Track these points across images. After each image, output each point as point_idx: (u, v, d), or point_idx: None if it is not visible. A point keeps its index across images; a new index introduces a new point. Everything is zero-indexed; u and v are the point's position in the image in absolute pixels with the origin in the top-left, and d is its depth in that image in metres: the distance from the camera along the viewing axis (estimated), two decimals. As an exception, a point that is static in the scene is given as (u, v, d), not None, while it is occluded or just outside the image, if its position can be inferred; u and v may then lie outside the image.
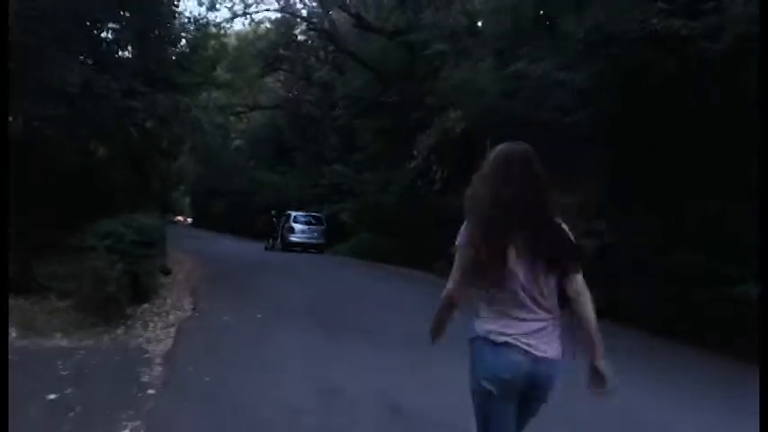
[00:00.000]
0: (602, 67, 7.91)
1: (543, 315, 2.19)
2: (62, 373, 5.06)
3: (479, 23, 11.25)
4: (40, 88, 8.19)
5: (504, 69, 10.31)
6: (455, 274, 2.26)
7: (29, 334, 6.88)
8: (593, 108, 8.38)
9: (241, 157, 43.07)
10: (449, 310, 2.36)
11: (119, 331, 7.03)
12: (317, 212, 24.92)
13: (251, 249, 24.75)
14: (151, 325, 7.61)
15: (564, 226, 2.23)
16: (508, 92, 10.43)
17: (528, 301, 2.16)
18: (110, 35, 13.69)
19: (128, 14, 13.38)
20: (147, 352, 6.09)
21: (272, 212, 25.45)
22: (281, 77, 37.03)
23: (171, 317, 8.19)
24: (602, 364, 2.20)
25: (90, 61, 10.59)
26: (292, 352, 6.32)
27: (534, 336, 2.16)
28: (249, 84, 35.47)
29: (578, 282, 2.19)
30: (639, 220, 7.92)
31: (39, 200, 11.01)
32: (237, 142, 46.97)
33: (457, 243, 2.26)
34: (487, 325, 2.20)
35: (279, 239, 24.36)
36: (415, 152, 14.22)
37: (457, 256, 2.26)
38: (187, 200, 73.50)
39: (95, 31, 12.93)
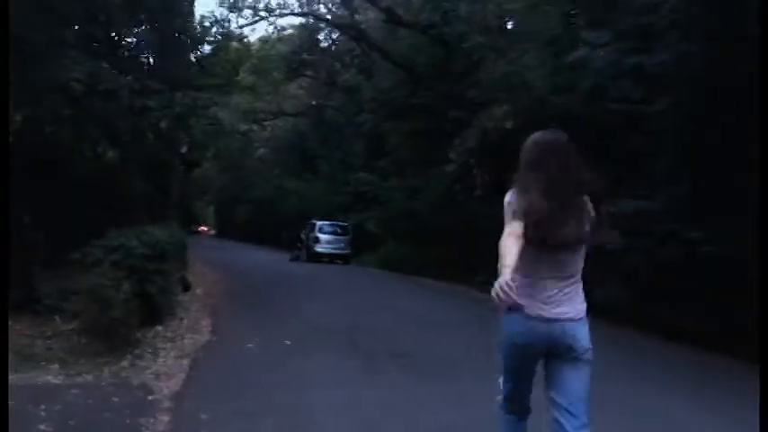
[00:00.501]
0: (688, 50, 6.68)
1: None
2: (41, 426, 4.00)
3: (516, 17, 10.06)
4: (41, 85, 7.27)
5: (558, 59, 9.16)
6: (512, 219, 2.34)
7: (22, 364, 5.90)
8: (670, 98, 7.16)
9: (265, 165, 42.41)
10: (518, 243, 2.28)
11: (124, 362, 5.99)
12: (342, 221, 23.86)
13: (275, 260, 23.79)
14: (162, 353, 6.57)
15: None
16: (560, 86, 9.27)
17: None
18: (125, 38, 12.93)
19: (144, 16, 12.58)
20: (153, 392, 5.03)
21: (309, 222, 24.24)
22: (305, 84, 36.24)
23: (186, 342, 7.15)
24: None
25: (104, 64, 9.72)
26: (327, 390, 5.20)
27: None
28: (272, 90, 34.81)
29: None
30: (734, 228, 6.65)
31: (51, 210, 10.17)
32: (261, 151, 46.38)
33: (507, 201, 2.42)
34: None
35: (304, 250, 23.37)
36: (452, 155, 13.04)
37: (509, 210, 2.38)
38: (211, 209, 73.38)
39: (112, 33, 12.14)
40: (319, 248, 22.25)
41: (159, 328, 7.80)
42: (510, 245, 2.24)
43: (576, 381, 2.39)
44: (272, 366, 6.06)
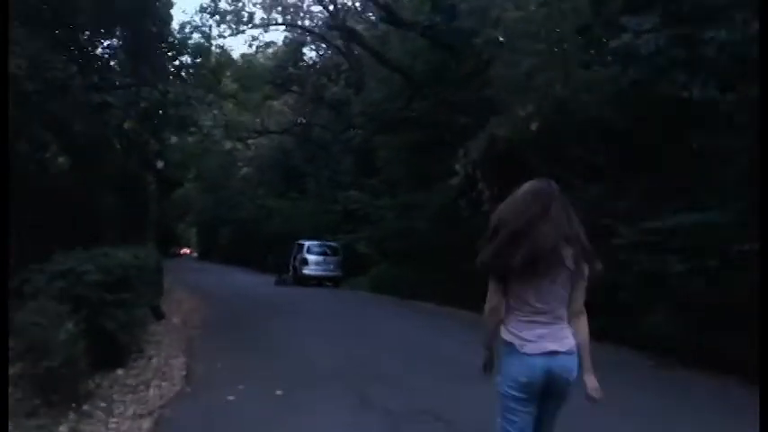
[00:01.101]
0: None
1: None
2: None
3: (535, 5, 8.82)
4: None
5: (590, 50, 7.96)
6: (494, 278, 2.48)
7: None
8: (739, 89, 5.95)
9: (249, 184, 40.91)
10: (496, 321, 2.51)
11: (62, 428, 4.52)
12: (332, 242, 22.44)
13: (260, 283, 22.24)
14: (119, 409, 5.11)
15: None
16: (594, 81, 8.04)
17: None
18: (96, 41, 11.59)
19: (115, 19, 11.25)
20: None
21: (297, 243, 22.78)
22: (290, 100, 35.03)
23: (152, 393, 5.69)
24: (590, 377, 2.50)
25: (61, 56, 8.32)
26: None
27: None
28: (257, 105, 33.55)
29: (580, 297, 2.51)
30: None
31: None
32: (245, 170, 44.97)
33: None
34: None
35: (291, 272, 21.89)
36: (457, 166, 11.74)
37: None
38: (194, 231, 71.39)
39: (80, 34, 10.80)
40: (307, 271, 20.76)
41: (120, 372, 6.35)
42: (493, 307, 2.47)
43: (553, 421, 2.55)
44: (261, 429, 4.64)
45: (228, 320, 11.23)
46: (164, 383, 6.01)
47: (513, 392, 2.39)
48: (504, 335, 2.45)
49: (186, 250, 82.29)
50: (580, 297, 2.49)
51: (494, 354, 2.55)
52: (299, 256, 21.28)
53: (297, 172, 32.06)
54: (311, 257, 20.89)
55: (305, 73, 32.27)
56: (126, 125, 8.42)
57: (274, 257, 23.11)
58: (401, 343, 8.71)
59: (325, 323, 11.07)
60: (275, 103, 35.46)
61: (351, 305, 14.76)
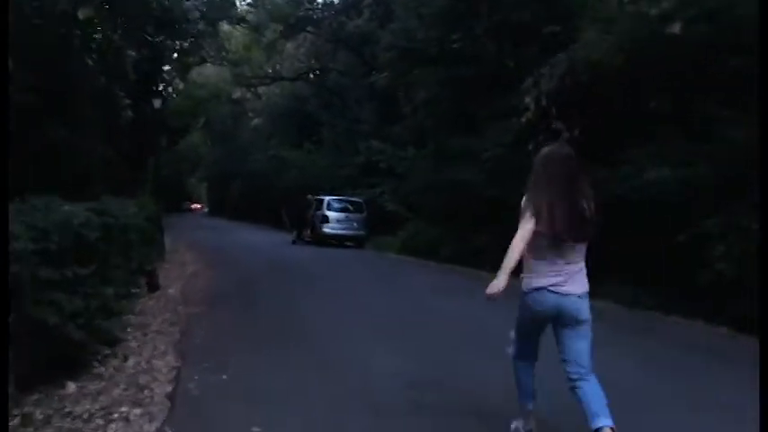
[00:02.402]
0: None
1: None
2: None
3: None
4: None
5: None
6: (528, 219, 2.96)
7: None
8: None
9: (260, 136, 38.41)
10: (522, 247, 2.96)
11: None
12: (355, 196, 20.11)
13: (274, 243, 20.08)
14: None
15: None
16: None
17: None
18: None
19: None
20: None
21: (309, 197, 20.59)
22: (306, 43, 32.09)
23: (116, 420, 3.46)
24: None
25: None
26: None
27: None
28: (269, 47, 30.79)
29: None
30: None
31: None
32: (256, 121, 42.46)
33: (524, 203, 3.03)
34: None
35: (309, 230, 19.69)
36: (527, 99, 9.25)
37: (525, 210, 2.99)
38: (204, 186, 69.29)
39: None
40: (328, 229, 18.47)
41: (71, 389, 4.12)
42: (516, 249, 2.93)
43: (578, 342, 3.02)
44: None
45: (239, 293, 9.01)
46: (134, 413, 3.75)
47: (527, 317, 3.14)
48: (527, 278, 3.07)
49: (197, 206, 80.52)
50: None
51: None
52: (318, 213, 18.97)
53: (312, 120, 29.49)
54: (332, 214, 18.57)
55: (321, 13, 29.34)
56: (80, 14, 6.01)
57: (289, 212, 20.81)
58: (485, 337, 6.31)
59: (361, 297, 8.81)
60: (288, 45, 32.57)
61: (386, 273, 12.51)
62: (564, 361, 3.03)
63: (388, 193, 21.11)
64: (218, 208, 54.92)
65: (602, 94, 9.15)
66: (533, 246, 2.95)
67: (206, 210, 71.38)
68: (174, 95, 29.05)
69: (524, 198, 3.03)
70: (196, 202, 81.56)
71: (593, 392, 2.89)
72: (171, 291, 9.01)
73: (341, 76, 30.16)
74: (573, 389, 2.96)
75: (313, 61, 31.47)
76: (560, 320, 3.00)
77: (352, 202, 19.24)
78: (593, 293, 3.09)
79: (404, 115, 24.30)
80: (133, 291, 7.62)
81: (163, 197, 38.38)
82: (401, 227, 17.84)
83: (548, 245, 2.95)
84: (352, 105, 27.16)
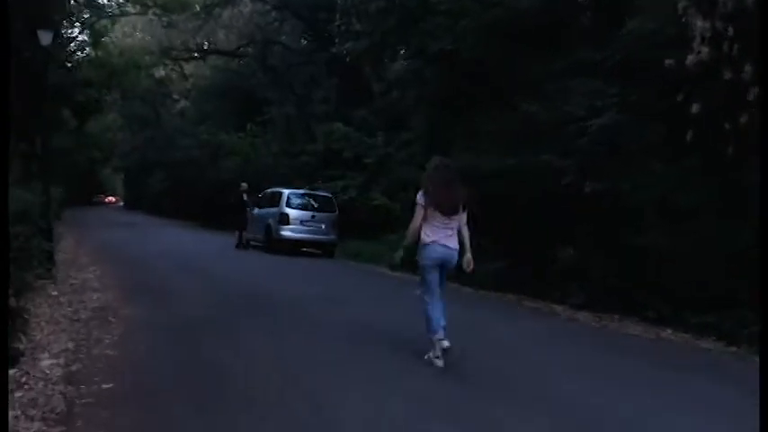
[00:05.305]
0: None
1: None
2: None
3: None
4: None
5: None
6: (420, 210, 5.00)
7: None
8: None
9: (189, 121, 33.03)
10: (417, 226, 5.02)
11: None
12: (321, 191, 15.82)
13: (209, 249, 15.51)
14: None
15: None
16: None
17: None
18: None
19: None
20: None
21: (243, 186, 16.19)
22: (246, 10, 27.23)
23: None
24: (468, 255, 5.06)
25: None
26: None
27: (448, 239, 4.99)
28: (196, 14, 25.67)
29: (463, 223, 5.07)
30: None
31: None
32: (183, 103, 37.00)
33: (418, 199, 4.99)
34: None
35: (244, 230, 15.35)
36: (699, 24, 5.45)
37: (419, 204, 4.97)
38: (121, 177, 62.07)
39: None
40: (288, 232, 14.01)
41: None
42: (415, 227, 4.97)
43: (444, 277, 5.08)
44: None
45: (190, 381, 4.68)
46: None
47: (428, 264, 4.95)
48: (425, 236, 4.94)
49: (111, 198, 72.90)
50: (463, 220, 5.04)
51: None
52: (273, 211, 14.49)
53: (255, 100, 24.75)
54: (294, 213, 14.11)
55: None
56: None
57: (231, 209, 16.21)
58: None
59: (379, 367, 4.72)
60: (224, 14, 27.54)
61: (390, 301, 8.35)
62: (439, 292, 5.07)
63: (356, 187, 17.07)
64: (136, 201, 48.73)
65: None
66: (429, 217, 4.91)
67: (121, 203, 64.40)
68: (84, 56, 23.83)
69: (419, 193, 4.97)
70: (110, 194, 73.91)
71: (442, 310, 4.96)
72: (44, 364, 4.63)
73: (287, 51, 25.65)
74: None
75: (255, 32, 26.61)
76: (444, 266, 5.00)
77: (318, 198, 14.91)
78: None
79: (371, 95, 20.31)
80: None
81: (71, 187, 32.37)
82: (387, 229, 13.66)
83: (437, 216, 4.91)
84: (307, 83, 22.78)
